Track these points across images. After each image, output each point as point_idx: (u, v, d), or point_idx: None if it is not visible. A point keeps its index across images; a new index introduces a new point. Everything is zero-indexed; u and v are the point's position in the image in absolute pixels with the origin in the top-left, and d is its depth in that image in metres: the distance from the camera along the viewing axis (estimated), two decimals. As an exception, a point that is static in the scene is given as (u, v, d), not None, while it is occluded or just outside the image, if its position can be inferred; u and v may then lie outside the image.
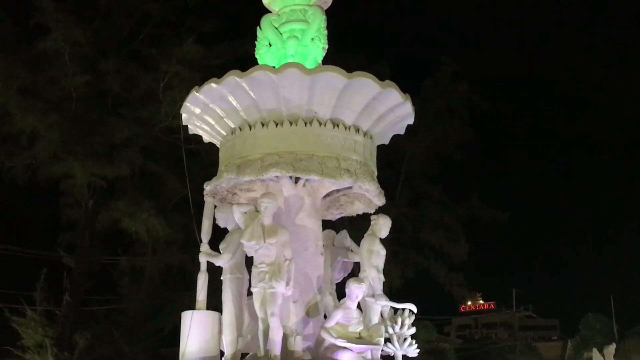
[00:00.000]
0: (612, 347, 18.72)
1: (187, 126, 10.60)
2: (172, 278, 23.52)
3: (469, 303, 73.06)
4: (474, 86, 29.52)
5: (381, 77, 9.64)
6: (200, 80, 13.36)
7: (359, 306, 9.26)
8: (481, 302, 76.27)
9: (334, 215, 11.01)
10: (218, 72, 10.68)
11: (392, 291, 24.05)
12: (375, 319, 9.49)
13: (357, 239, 10.35)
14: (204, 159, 20.25)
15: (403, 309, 9.66)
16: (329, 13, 10.74)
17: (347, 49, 24.43)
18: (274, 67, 9.54)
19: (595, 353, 18.80)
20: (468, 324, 72.38)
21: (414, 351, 9.60)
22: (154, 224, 21.55)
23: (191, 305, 9.76)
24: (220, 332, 9.45)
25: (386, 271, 10.24)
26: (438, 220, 28.56)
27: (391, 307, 9.66)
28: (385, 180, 10.27)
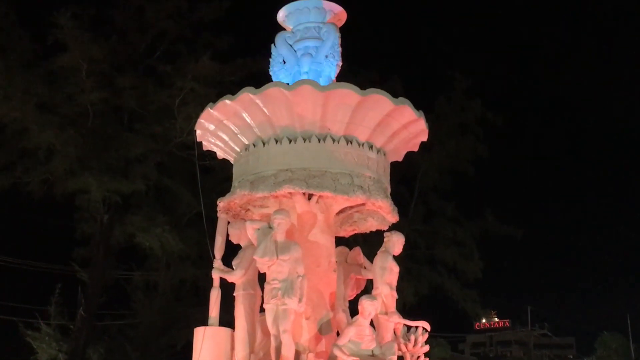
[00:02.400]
0: (628, 367, 18.48)
1: (201, 142, 10.66)
2: (185, 293, 23.59)
3: (484, 320, 72.52)
4: (487, 102, 29.46)
5: (394, 94, 9.65)
6: (215, 97, 13.48)
7: (371, 323, 9.22)
8: (496, 319, 75.64)
9: (347, 231, 10.99)
10: (233, 89, 10.76)
11: (406, 308, 23.91)
12: (388, 336, 9.45)
13: (370, 255, 10.32)
14: (218, 174, 20.37)
15: (416, 327, 9.62)
16: (343, 30, 10.80)
17: (360, 65, 24.53)
18: (287, 84, 9.59)
19: (611, 372, 18.56)
20: (483, 342, 71.82)
21: (427, 369, 9.54)
22: (168, 239, 21.63)
23: (204, 321, 9.76)
24: (232, 348, 9.43)
25: (400, 288, 10.19)
26: (452, 237, 28.40)
27: (404, 324, 9.62)
28: (398, 196, 10.27)
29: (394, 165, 10.65)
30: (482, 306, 29.13)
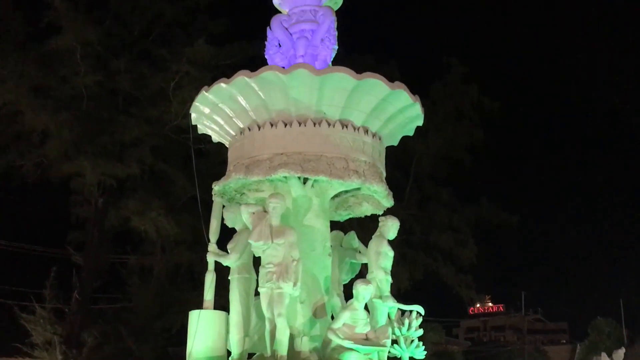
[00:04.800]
0: (621, 352, 18.62)
1: (196, 126, 10.62)
2: (180, 277, 23.59)
3: (478, 305, 72.91)
4: (483, 88, 29.48)
5: (390, 79, 9.60)
6: (210, 80, 13.39)
7: (366, 307, 9.24)
8: (490, 304, 76.11)
9: (342, 216, 10.99)
10: (228, 72, 10.69)
11: (401, 293, 24.00)
12: (383, 320, 9.48)
13: (365, 240, 10.32)
14: (213, 158, 20.33)
15: (410, 311, 9.65)
16: (339, 14, 10.73)
17: (355, 49, 24.45)
18: (283, 67, 9.53)
19: (604, 357, 18.69)
20: (477, 327, 72.26)
21: (420, 353, 9.57)
22: (163, 223, 21.62)
23: (199, 305, 9.76)
24: (227, 332, 9.44)
25: (394, 273, 10.22)
26: (447, 223, 28.50)
27: (398, 308, 9.65)
28: (394, 181, 10.27)
29: (389, 150, 10.63)
30: (477, 291, 29.32)
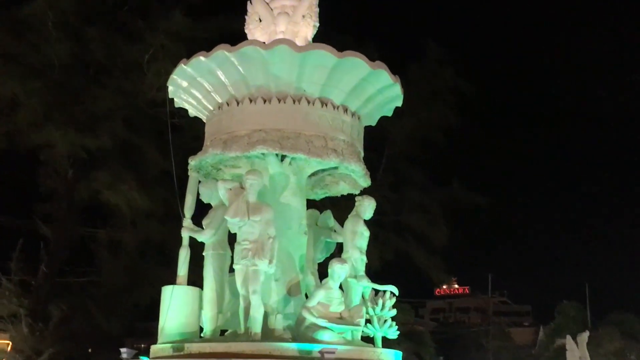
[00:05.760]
0: (585, 335, 18.97)
1: (172, 99, 10.44)
2: (150, 252, 23.33)
3: (444, 287, 73.74)
4: (459, 71, 29.50)
5: (369, 59, 9.53)
6: (186, 54, 13.14)
7: (340, 287, 9.25)
8: (456, 286, 77.00)
9: (318, 195, 10.97)
10: (205, 47, 10.49)
11: (371, 272, 24.06)
12: (357, 300, 9.51)
13: (338, 220, 10.32)
14: (186, 133, 20.04)
15: (384, 291, 9.69)
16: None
17: (334, 29, 24.21)
18: (264, 42, 9.41)
19: (568, 340, 19.05)
20: (442, 308, 73.06)
21: (393, 333, 9.65)
22: (135, 197, 21.33)
23: (170, 281, 9.68)
24: (200, 308, 9.38)
25: (366, 253, 10.21)
26: (418, 204, 28.61)
27: (373, 288, 9.68)
28: (367, 162, 10.23)
29: (364, 129, 10.57)
30: (447, 273, 29.58)
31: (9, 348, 19.95)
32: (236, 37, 10.84)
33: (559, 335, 28.49)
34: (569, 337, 19.23)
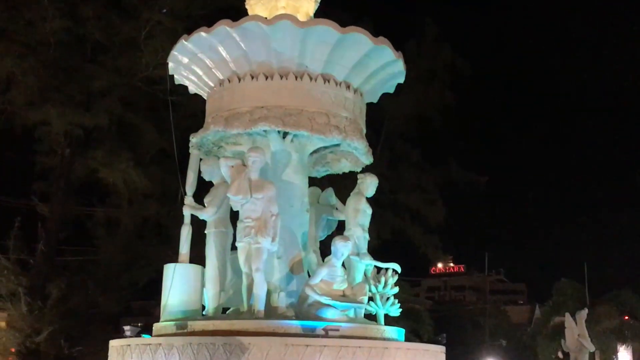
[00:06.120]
0: (584, 312, 19.05)
1: (172, 76, 10.31)
2: (147, 231, 23.32)
3: (440, 265, 74.08)
4: (457, 50, 29.37)
5: (370, 35, 9.40)
6: (183, 31, 13.01)
7: (343, 264, 9.22)
8: (451, 264, 77.40)
9: (319, 172, 10.90)
10: (202, 23, 10.40)
11: (370, 250, 24.10)
12: (359, 277, 9.49)
13: (339, 197, 10.27)
14: (183, 111, 19.91)
15: (387, 269, 9.67)
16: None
17: (332, 5, 23.96)
18: (266, 18, 9.28)
19: (567, 318, 19.12)
20: (438, 286, 73.47)
21: (396, 310, 9.65)
22: (132, 176, 21.25)
23: (167, 259, 9.65)
24: (202, 286, 9.35)
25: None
26: (416, 183, 28.62)
27: (375, 266, 9.66)
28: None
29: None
30: (443, 251, 29.69)
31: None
32: (234, 13, 10.72)
33: (557, 314, 28.61)
34: (567, 314, 19.30)
